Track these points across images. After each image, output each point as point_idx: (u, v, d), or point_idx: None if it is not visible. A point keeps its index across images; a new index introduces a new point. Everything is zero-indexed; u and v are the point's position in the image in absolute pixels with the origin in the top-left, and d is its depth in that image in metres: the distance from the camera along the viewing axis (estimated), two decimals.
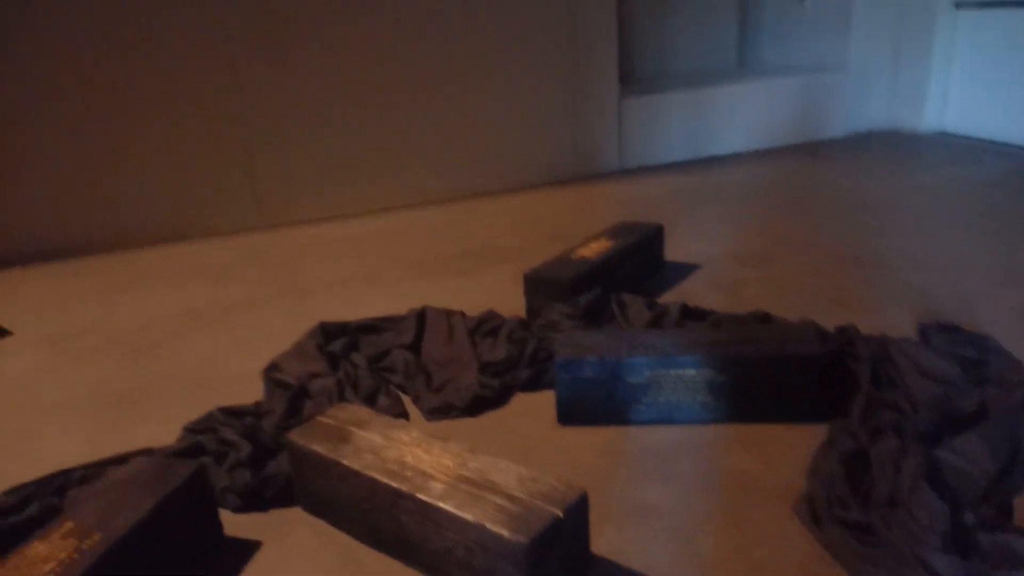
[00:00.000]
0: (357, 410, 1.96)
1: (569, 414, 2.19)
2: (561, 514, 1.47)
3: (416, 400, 2.38)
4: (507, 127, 4.83)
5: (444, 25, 4.49)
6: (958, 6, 5.25)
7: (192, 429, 2.19)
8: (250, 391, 2.47)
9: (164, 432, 2.23)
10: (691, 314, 2.73)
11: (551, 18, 4.73)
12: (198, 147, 4.19)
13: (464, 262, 3.62)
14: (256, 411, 2.29)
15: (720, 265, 3.33)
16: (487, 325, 2.76)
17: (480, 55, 4.63)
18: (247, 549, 1.78)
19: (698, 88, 5.41)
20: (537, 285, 2.89)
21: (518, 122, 4.85)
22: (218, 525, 1.80)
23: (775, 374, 2.10)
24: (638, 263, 3.18)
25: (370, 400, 2.34)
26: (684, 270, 3.29)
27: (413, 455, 1.71)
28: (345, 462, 1.72)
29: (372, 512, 1.70)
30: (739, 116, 5.47)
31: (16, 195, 3.97)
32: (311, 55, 4.25)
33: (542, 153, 4.98)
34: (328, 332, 2.75)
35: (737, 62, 6.36)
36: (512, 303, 2.95)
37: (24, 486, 1.94)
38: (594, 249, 3.07)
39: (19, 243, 4.01)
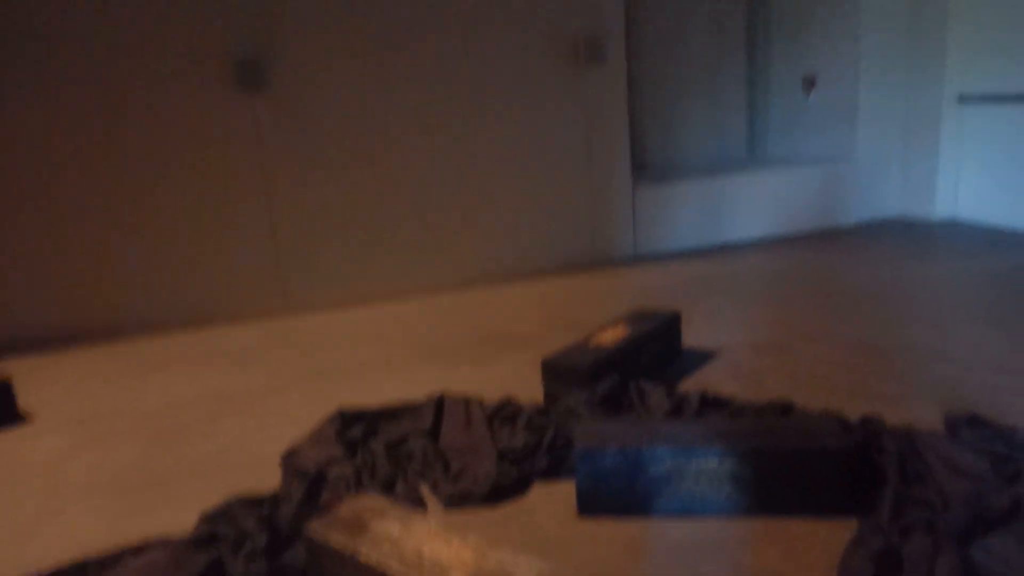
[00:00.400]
0: (374, 499, 1.95)
1: (589, 504, 2.16)
2: None
3: (434, 488, 2.36)
4: (524, 216, 4.97)
5: (466, 122, 4.70)
6: (961, 100, 5.42)
7: (209, 517, 2.17)
8: (272, 475, 2.46)
9: (186, 516, 2.21)
10: (710, 403, 2.72)
11: (566, 111, 4.94)
12: (225, 234, 4.34)
13: (482, 348, 3.65)
14: (274, 499, 2.28)
15: (738, 353, 3.33)
16: (505, 412, 2.76)
17: (499, 147, 4.82)
18: None
19: (709, 178, 5.56)
20: (555, 372, 2.90)
21: (535, 211, 4.99)
22: None
23: (798, 466, 2.07)
24: (655, 351, 3.19)
25: (388, 487, 2.32)
26: (701, 358, 3.30)
27: (431, 547, 1.69)
28: (362, 554, 1.70)
29: None
30: (750, 205, 5.59)
31: (43, 279, 4.09)
32: (337, 147, 4.44)
33: (558, 241, 5.09)
34: (346, 418, 2.76)
35: (747, 153, 6.56)
36: (530, 390, 2.96)
37: None
38: (611, 336, 3.09)
39: (45, 327, 4.10)
